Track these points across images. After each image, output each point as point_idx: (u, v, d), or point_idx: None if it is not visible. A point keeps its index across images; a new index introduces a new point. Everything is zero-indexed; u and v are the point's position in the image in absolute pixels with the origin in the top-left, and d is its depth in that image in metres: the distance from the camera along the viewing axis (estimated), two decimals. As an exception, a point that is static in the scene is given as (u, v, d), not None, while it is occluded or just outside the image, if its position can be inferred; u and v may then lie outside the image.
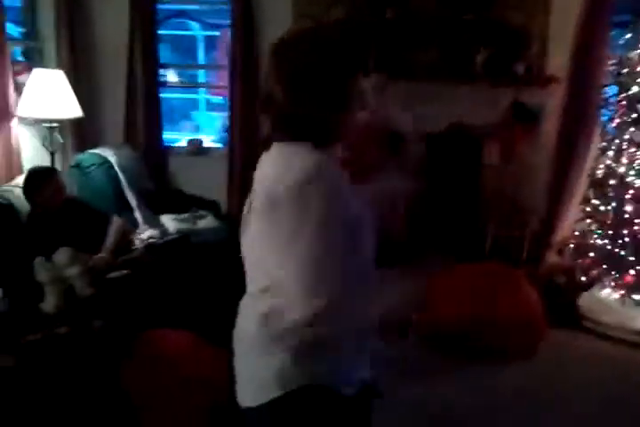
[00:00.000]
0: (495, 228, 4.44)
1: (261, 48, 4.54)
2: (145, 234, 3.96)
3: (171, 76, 5.76)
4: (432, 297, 3.79)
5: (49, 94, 3.61)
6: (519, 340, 3.55)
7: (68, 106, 3.72)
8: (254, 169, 1.45)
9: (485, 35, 4.28)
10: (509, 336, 3.52)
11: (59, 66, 4.17)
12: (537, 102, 4.36)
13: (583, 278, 4.11)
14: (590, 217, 4.16)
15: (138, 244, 3.59)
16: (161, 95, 4.71)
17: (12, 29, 4.40)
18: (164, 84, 4.97)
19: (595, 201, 4.12)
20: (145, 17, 4.44)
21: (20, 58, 4.35)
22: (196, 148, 4.83)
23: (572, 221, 4.44)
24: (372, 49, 4.31)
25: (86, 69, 4.41)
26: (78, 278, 2.69)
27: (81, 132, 4.26)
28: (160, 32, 4.73)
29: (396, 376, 3.47)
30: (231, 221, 4.68)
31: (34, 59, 4.35)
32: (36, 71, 3.68)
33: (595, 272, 4.02)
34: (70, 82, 4.10)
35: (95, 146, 4.27)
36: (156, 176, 4.55)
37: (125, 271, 3.14)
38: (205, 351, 2.73)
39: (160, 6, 4.63)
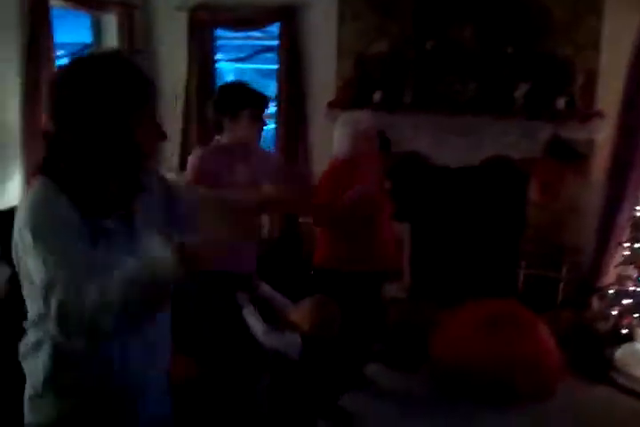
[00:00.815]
0: (528, 267, 4.22)
1: (307, 83, 4.72)
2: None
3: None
4: (441, 331, 3.68)
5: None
6: (528, 381, 3.34)
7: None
8: None
9: (526, 68, 4.17)
10: (517, 376, 3.32)
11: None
12: (580, 138, 4.16)
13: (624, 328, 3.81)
14: (632, 262, 3.87)
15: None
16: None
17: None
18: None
19: (635, 244, 3.83)
20: (203, 52, 4.78)
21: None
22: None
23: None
24: (410, 81, 4.38)
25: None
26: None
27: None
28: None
29: (398, 413, 3.41)
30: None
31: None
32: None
33: (628, 320, 3.71)
34: None
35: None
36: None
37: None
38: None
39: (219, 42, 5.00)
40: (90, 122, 1.33)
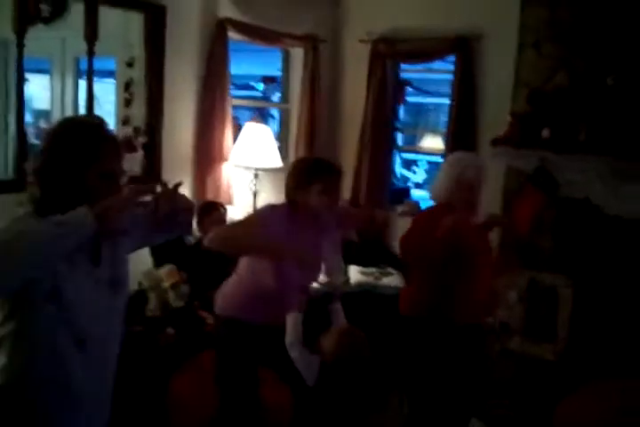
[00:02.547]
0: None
1: (479, 117, 4.52)
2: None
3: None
4: (572, 404, 3.25)
5: (255, 146, 4.26)
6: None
7: (269, 156, 4.32)
8: None
9: None
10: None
11: (299, 125, 4.90)
12: None
13: None
14: None
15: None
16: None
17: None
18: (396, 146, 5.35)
19: None
20: (381, 84, 4.84)
21: (276, 117, 5.19)
22: (415, 208, 4.96)
23: None
24: (585, 119, 3.94)
25: (321, 132, 5.00)
26: (170, 291, 3.17)
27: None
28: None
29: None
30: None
31: (283, 118, 5.17)
32: (248, 125, 4.38)
33: None
34: (304, 138, 4.81)
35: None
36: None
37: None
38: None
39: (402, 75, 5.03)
40: (51, 171, 1.63)
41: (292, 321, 2.39)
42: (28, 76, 5.45)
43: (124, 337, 1.85)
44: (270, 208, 2.62)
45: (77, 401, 1.67)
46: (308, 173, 2.53)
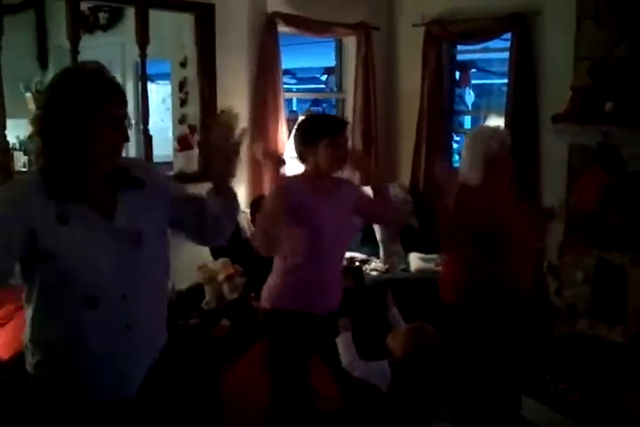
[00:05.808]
0: None
1: (539, 95, 4.35)
2: (372, 265, 4.30)
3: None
4: None
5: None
6: None
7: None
8: None
9: None
10: None
11: (354, 114, 4.88)
12: None
13: None
14: None
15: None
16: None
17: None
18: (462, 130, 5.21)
19: None
20: (436, 66, 4.74)
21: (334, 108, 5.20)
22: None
23: None
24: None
25: (377, 118, 4.96)
26: (224, 283, 3.25)
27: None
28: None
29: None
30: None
31: (339, 107, 5.17)
32: (300, 119, 4.39)
33: None
34: (360, 126, 4.80)
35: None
36: (425, 214, 4.72)
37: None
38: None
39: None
40: (53, 122, 1.59)
41: (342, 342, 2.35)
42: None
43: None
44: (276, 188, 2.74)
45: (95, 361, 1.65)
46: (314, 128, 2.56)
